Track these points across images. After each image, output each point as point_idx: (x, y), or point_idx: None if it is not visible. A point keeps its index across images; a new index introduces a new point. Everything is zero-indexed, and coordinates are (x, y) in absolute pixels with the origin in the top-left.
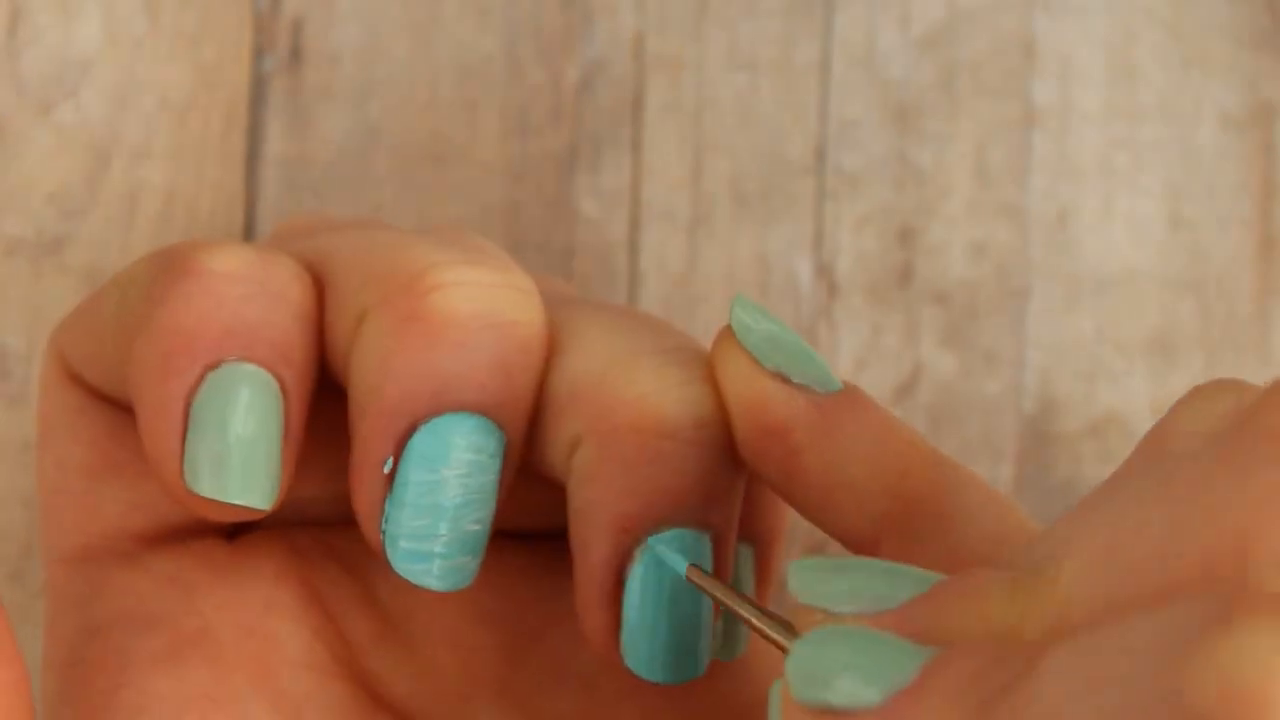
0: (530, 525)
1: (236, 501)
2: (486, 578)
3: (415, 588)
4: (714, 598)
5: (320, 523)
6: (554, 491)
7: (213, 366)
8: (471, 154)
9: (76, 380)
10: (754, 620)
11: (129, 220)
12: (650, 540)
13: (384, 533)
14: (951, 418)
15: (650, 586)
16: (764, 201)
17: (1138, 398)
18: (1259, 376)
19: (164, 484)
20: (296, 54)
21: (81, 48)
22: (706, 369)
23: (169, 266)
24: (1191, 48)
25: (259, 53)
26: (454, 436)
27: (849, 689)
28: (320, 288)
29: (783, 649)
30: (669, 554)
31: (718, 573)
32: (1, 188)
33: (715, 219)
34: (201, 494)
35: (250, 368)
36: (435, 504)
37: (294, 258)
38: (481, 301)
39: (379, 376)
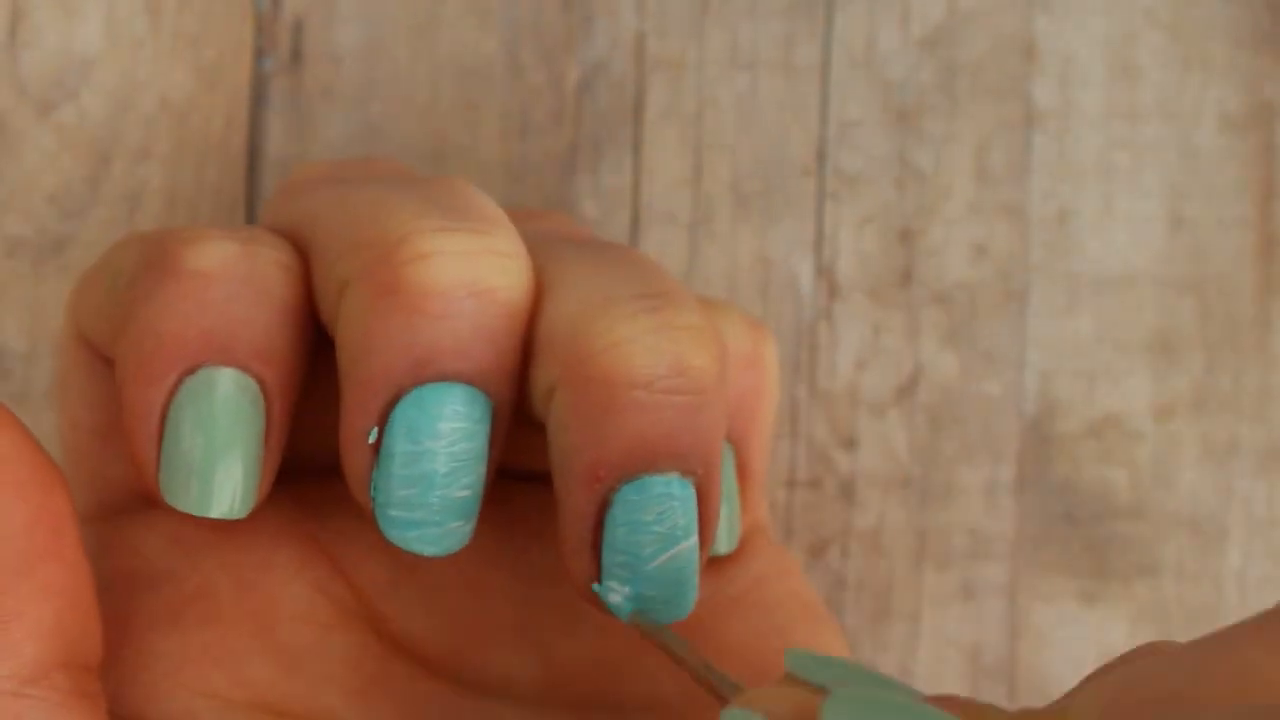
0: (536, 466)
1: (203, 514)
2: (498, 521)
3: None
4: (662, 647)
5: (330, 471)
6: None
7: (190, 372)
8: (472, 154)
9: (86, 342)
10: (705, 676)
11: (130, 221)
12: (595, 587)
13: (374, 500)
14: (951, 418)
15: (626, 534)
16: (764, 202)
17: (1138, 398)
18: (1259, 377)
19: (146, 490)
20: (297, 55)
21: (82, 48)
22: (687, 314)
23: (153, 262)
24: (1191, 48)
25: (260, 53)
26: (438, 407)
27: None
28: (307, 256)
29: (723, 701)
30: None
31: (704, 514)
32: (2, 188)
33: (716, 220)
34: (173, 506)
35: (226, 372)
36: (421, 474)
37: (280, 233)
38: (460, 271)
39: (361, 349)
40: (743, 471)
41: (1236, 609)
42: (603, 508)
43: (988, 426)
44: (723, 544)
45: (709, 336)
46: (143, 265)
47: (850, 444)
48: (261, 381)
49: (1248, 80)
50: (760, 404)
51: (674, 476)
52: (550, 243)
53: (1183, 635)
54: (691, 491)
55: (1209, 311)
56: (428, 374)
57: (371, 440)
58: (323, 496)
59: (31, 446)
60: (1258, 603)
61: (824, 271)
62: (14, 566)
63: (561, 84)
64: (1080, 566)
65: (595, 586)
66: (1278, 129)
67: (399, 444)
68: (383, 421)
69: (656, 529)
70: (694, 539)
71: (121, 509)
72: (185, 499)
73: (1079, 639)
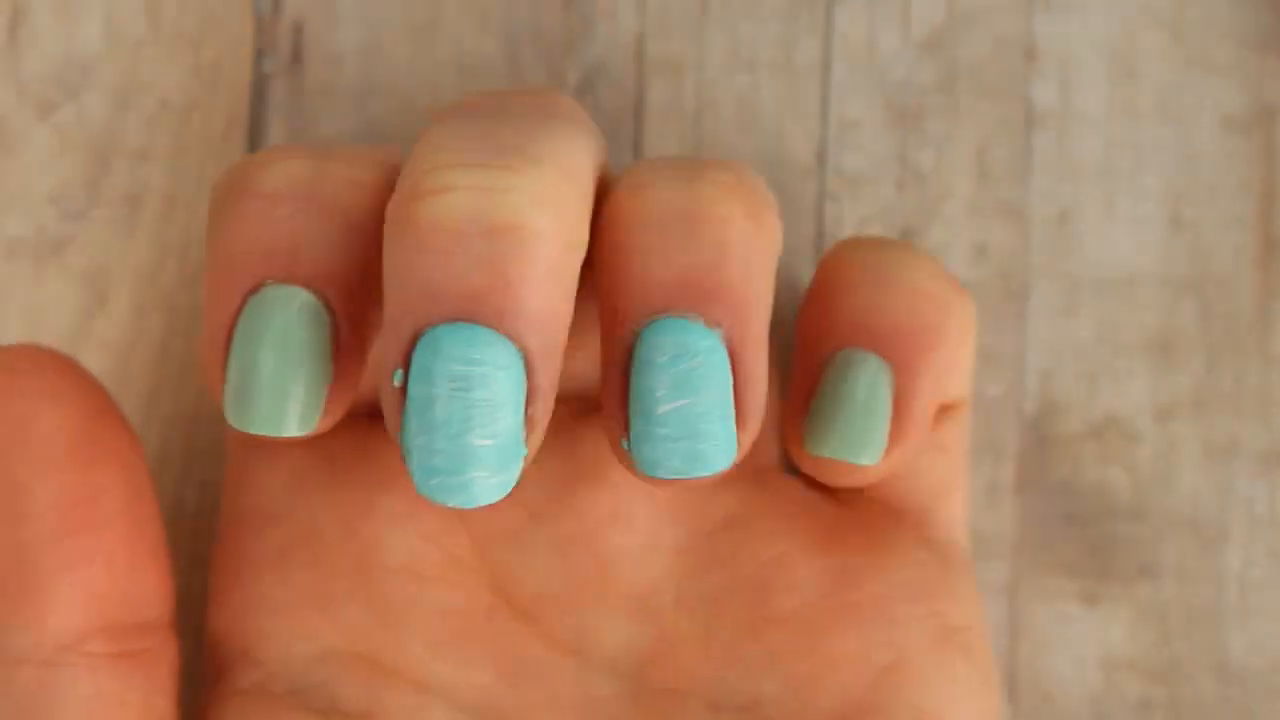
0: None
1: (258, 432)
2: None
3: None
4: None
5: None
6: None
7: (255, 290)
8: None
9: None
10: None
11: (130, 221)
12: (623, 443)
13: (402, 445)
14: None
15: (640, 377)
16: None
17: (1138, 399)
18: (1260, 378)
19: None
20: (297, 55)
21: (82, 49)
22: (719, 173)
23: (230, 186)
24: (1193, 48)
25: (260, 54)
26: (450, 349)
27: None
28: None
29: None
30: None
31: (739, 375)
32: (2, 188)
33: None
34: (231, 423)
35: (287, 289)
36: (434, 420)
37: (372, 159)
38: (470, 206)
39: (388, 285)
40: (900, 392)
41: (1236, 610)
42: (628, 353)
43: (988, 426)
44: (863, 452)
45: (740, 194)
46: (221, 193)
47: None
48: (326, 299)
49: (1249, 81)
50: (935, 336)
51: (694, 322)
52: (638, 170)
53: (1183, 636)
54: (715, 342)
55: (1209, 312)
56: (439, 313)
57: (397, 383)
58: None
59: (77, 421)
60: (1258, 603)
61: None
62: (38, 542)
63: (561, 84)
64: (1081, 567)
65: (623, 443)
66: (1278, 129)
67: (416, 387)
68: (406, 363)
69: (671, 370)
70: (718, 391)
71: (253, 443)
72: (242, 416)
73: (1079, 639)
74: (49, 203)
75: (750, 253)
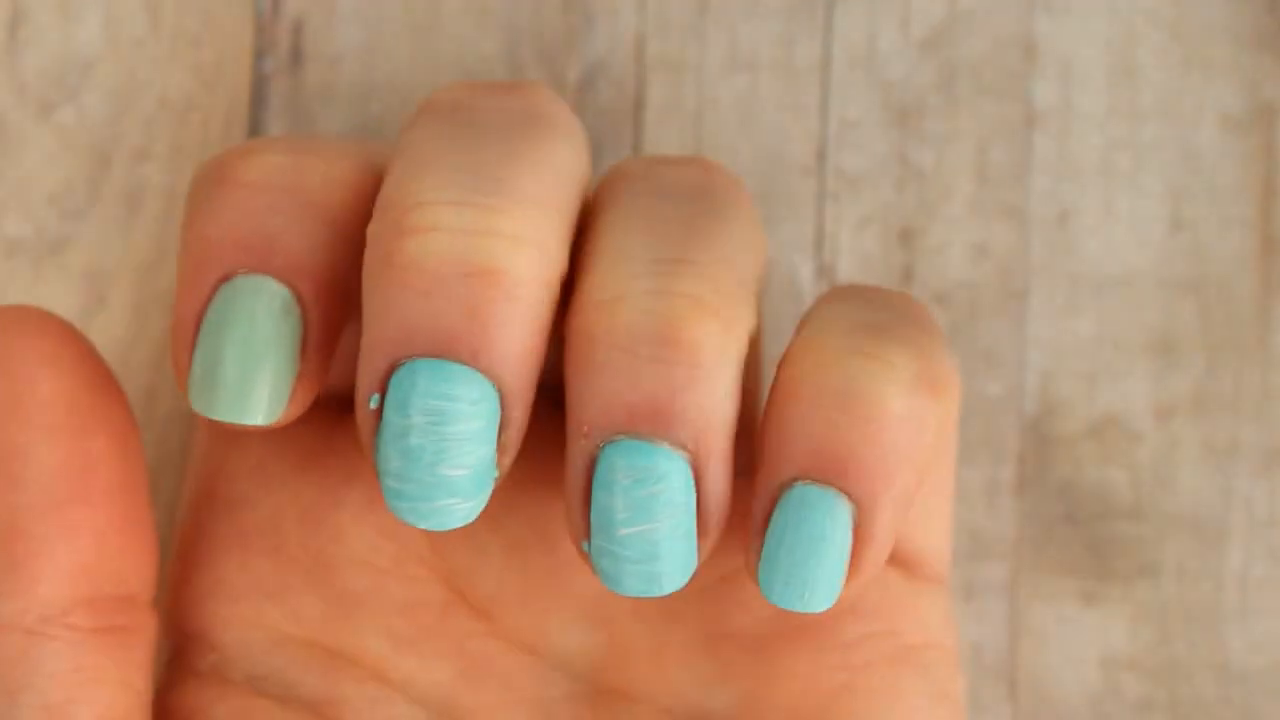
0: None
1: (221, 419)
2: None
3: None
4: None
5: None
6: None
7: (226, 279)
8: None
9: None
10: None
11: (130, 221)
12: (584, 546)
13: (376, 465)
14: None
15: (604, 495)
16: (764, 202)
17: (1138, 399)
18: (1260, 378)
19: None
20: (297, 55)
21: (82, 48)
22: (695, 283)
23: (209, 175)
24: (1192, 48)
25: (259, 54)
26: (427, 385)
27: None
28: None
29: None
30: None
31: (702, 494)
32: (2, 188)
33: None
34: (194, 408)
35: (257, 279)
36: (409, 448)
37: (356, 156)
38: (454, 250)
39: (366, 312)
40: (859, 532)
41: (1236, 609)
42: (591, 464)
43: (988, 426)
44: (812, 603)
45: (713, 309)
46: (201, 179)
47: None
48: (297, 291)
49: (1248, 80)
50: (899, 466)
51: (661, 446)
52: (623, 209)
53: (1183, 636)
54: (681, 465)
55: (1209, 312)
56: (416, 350)
57: (373, 406)
58: None
59: (76, 388)
60: (1258, 603)
61: (824, 271)
62: (35, 509)
63: (561, 84)
64: (1080, 567)
65: (584, 545)
66: (1278, 129)
67: (391, 415)
68: (383, 389)
69: (634, 494)
70: (679, 514)
71: (221, 430)
72: (206, 403)
73: (1079, 639)
74: (49, 202)
75: (719, 369)
